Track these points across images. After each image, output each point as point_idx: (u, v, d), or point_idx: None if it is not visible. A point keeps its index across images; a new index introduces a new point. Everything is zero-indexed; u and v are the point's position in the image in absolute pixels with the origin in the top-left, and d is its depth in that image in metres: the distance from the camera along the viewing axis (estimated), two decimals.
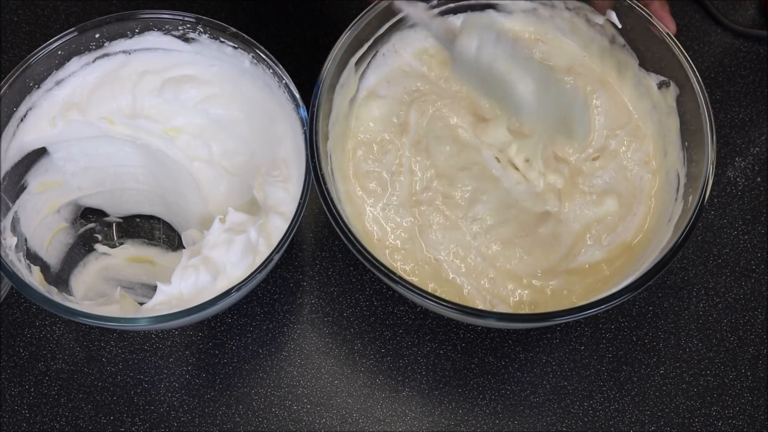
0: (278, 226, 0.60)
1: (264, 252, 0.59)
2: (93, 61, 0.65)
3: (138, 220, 0.71)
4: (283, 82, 0.63)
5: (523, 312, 0.62)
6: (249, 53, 0.64)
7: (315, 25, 0.79)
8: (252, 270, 0.58)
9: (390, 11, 0.67)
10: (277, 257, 0.58)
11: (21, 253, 0.61)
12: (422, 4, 0.65)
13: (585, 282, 0.63)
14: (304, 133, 0.62)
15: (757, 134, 0.75)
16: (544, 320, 0.59)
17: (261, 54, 0.64)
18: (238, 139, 0.67)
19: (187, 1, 0.79)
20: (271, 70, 0.64)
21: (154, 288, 0.59)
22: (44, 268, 0.64)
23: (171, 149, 0.66)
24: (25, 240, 0.63)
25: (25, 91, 0.63)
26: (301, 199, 0.59)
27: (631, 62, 0.68)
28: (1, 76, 0.63)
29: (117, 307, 0.61)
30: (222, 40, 0.65)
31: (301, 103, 0.63)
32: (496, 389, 0.66)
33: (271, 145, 0.64)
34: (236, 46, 0.65)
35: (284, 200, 0.61)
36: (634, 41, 0.67)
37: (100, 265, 0.69)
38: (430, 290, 0.61)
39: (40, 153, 0.65)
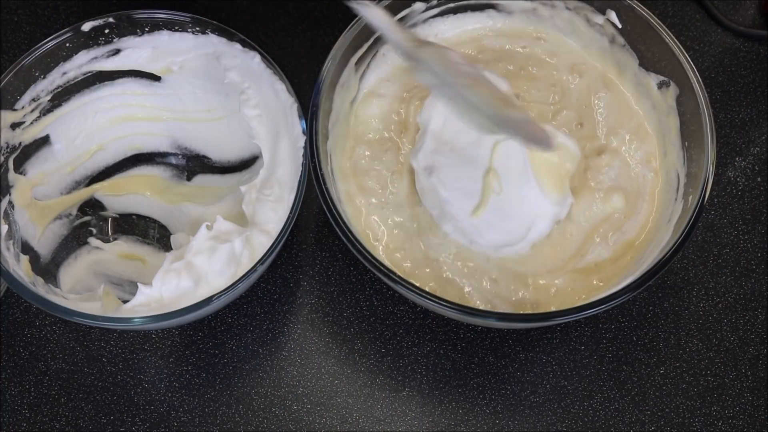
0: (263, 242, 0.60)
1: (246, 264, 0.59)
2: (115, 54, 0.66)
3: (134, 217, 0.71)
4: (291, 100, 0.63)
5: (524, 312, 0.62)
6: (257, 59, 0.64)
7: (315, 25, 0.79)
8: (233, 280, 0.58)
9: (390, 11, 0.67)
10: (261, 269, 0.58)
11: (11, 242, 0.61)
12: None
13: (588, 281, 0.63)
14: (303, 148, 0.61)
15: (757, 134, 0.75)
16: (544, 320, 0.59)
17: (266, 61, 0.64)
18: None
19: (187, 1, 0.79)
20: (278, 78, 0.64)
21: None
22: (34, 257, 0.64)
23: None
24: (18, 228, 0.63)
25: None
26: (287, 222, 0.59)
27: (631, 62, 0.68)
28: (1, 76, 0.63)
29: (99, 304, 0.60)
30: (232, 42, 0.65)
31: (301, 115, 0.62)
32: (496, 389, 0.66)
33: (271, 163, 0.63)
34: (245, 49, 0.64)
35: (272, 220, 0.61)
36: (634, 41, 0.67)
37: (91, 259, 0.68)
38: (430, 290, 0.61)
39: (42, 143, 0.65)
